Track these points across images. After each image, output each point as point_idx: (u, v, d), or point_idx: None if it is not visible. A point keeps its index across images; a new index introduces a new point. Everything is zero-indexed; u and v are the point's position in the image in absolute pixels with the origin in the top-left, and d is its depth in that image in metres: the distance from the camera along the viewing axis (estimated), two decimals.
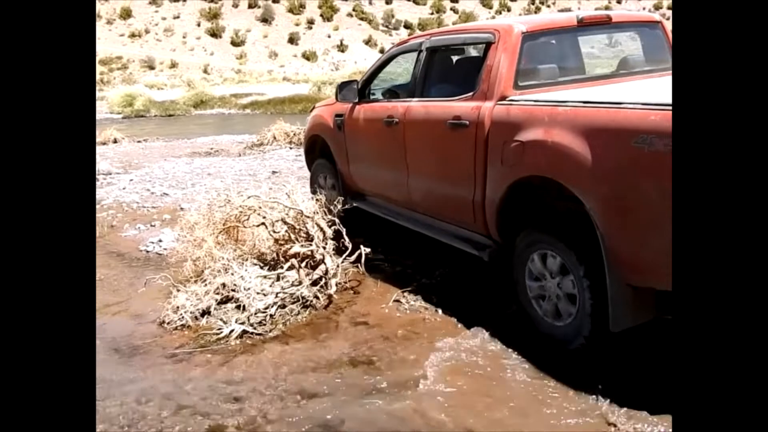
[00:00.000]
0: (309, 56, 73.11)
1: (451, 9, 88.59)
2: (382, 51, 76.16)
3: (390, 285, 4.36)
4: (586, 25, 4.03)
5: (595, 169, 2.85)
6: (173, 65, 68.13)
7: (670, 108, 2.52)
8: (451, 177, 3.89)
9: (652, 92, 3.10)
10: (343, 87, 5.11)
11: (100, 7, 76.65)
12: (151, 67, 67.20)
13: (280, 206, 4.36)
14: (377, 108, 4.74)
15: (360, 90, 4.99)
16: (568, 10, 52.63)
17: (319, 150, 5.75)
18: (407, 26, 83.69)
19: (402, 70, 5.05)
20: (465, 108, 3.71)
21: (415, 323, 3.74)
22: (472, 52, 4.26)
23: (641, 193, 2.71)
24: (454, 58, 4.51)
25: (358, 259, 4.35)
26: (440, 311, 3.87)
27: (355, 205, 5.11)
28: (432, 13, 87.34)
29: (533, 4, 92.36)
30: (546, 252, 3.29)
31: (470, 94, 3.75)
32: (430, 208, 4.29)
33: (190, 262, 4.23)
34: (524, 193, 3.42)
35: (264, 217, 4.34)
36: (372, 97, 4.99)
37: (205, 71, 64.00)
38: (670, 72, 3.70)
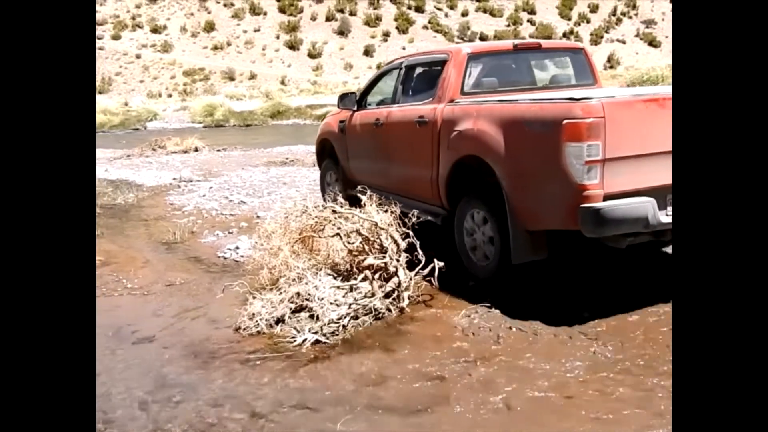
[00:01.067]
0: None
1: (528, 21, 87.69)
2: None
3: (462, 300, 4.31)
4: (521, 50, 5.43)
5: (501, 146, 4.10)
6: (252, 76, 70.25)
7: (547, 101, 3.92)
8: (417, 162, 5.08)
9: (554, 95, 4.39)
10: (344, 97, 6.43)
11: (186, 21, 79.91)
12: (232, 79, 69.49)
13: (354, 217, 4.39)
14: (369, 114, 5.97)
15: (358, 100, 6.22)
16: (652, 21, 51.07)
17: (327, 152, 6.99)
18: (483, 38, 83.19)
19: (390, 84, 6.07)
20: (426, 109, 5.01)
21: (486, 340, 3.67)
22: (435, 68, 5.28)
23: (528, 162, 3.93)
24: (422, 73, 5.60)
25: (431, 273, 4.33)
26: (514, 329, 3.80)
27: (351, 193, 5.89)
28: (508, 25, 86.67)
29: (614, 15, 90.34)
30: (474, 211, 4.55)
31: (430, 99, 5.04)
32: (404, 189, 5.43)
33: (266, 270, 4.31)
34: (462, 170, 4.62)
35: (339, 228, 4.38)
36: (367, 105, 6.20)
37: (283, 82, 65.56)
38: (588, 85, 5.44)
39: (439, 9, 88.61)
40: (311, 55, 76.50)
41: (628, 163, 3.63)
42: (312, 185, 9.12)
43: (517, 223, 4.08)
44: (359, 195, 4.74)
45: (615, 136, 3.57)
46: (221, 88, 59.14)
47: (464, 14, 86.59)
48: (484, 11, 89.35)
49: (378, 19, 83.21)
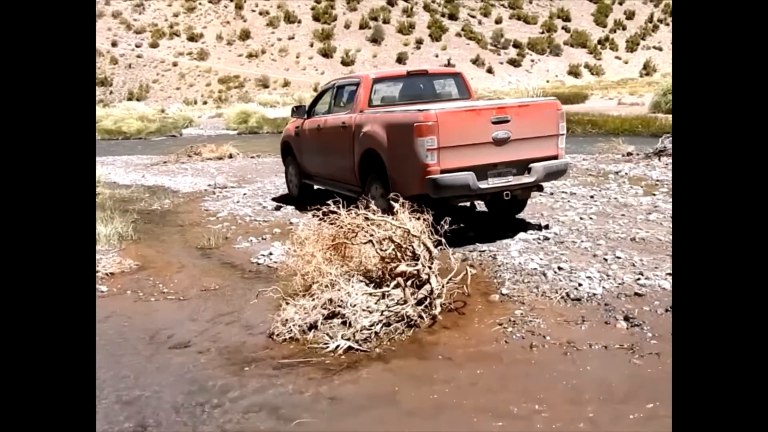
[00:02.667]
0: None
1: (563, 28, 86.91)
2: (489, 70, 75.80)
3: (495, 307, 4.30)
4: (412, 75, 7.52)
5: (385, 141, 6.01)
6: (286, 84, 71.00)
7: (406, 111, 5.88)
8: (342, 155, 6.92)
9: (421, 107, 6.04)
10: (297, 109, 8.50)
11: (221, 29, 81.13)
12: (266, 86, 70.35)
13: (387, 224, 4.40)
14: (314, 121, 7.96)
15: (307, 111, 8.26)
16: None
17: (287, 151, 9.00)
18: (516, 45, 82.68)
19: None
20: (346, 117, 6.97)
21: (521, 350, 3.65)
22: (353, 88, 7.28)
23: (398, 151, 5.81)
24: (346, 91, 7.56)
25: (463, 280, 4.32)
26: (548, 338, 3.77)
27: (305, 181, 8.53)
28: (542, 32, 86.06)
29: (650, 22, 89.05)
30: (374, 185, 6.27)
31: (349, 110, 7.04)
32: (337, 175, 7.31)
33: (299, 277, 4.35)
34: (367, 159, 6.39)
35: (371, 235, 4.39)
36: (314, 114, 8.13)
37: (315, 89, 66.17)
38: (463, 98, 7.30)
39: (473, 16, 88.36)
40: (344, 63, 76.96)
41: (455, 150, 5.55)
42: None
43: (394, 191, 5.29)
44: (314, 183, 8.17)
45: (445, 133, 5.49)
46: (255, 96, 59.87)
47: (498, 21, 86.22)
48: (518, 18, 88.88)
49: (411, 26, 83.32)
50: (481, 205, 7.38)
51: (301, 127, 8.30)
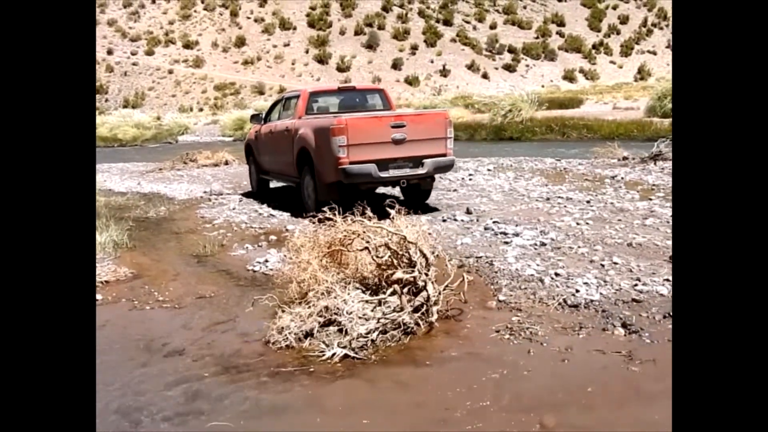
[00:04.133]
0: (411, 81, 73.89)
1: (557, 33, 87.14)
2: (484, 76, 75.92)
3: (492, 314, 4.28)
4: (342, 90, 9.52)
5: (312, 140, 7.61)
6: (281, 90, 70.91)
7: (327, 118, 8.03)
8: (286, 153, 8.51)
9: (355, 115, 7.89)
10: (254, 117, 10.46)
11: (217, 36, 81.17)
12: (261, 93, 70.32)
13: (383, 231, 4.39)
14: (268, 126, 9.67)
15: (264, 118, 10.03)
16: None
17: (249, 152, 10.60)
18: (511, 50, 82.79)
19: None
20: (289, 123, 8.65)
21: (518, 357, 3.63)
22: (295, 99, 9.05)
23: (321, 147, 7.44)
24: (291, 102, 9.26)
25: (460, 287, 4.30)
26: (545, 345, 3.75)
27: (262, 176, 10.17)
28: (537, 37, 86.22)
29: (644, 26, 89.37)
30: (307, 176, 7.88)
31: (291, 117, 8.82)
32: (283, 170, 8.92)
33: (295, 284, 4.32)
34: (302, 156, 7.98)
35: (367, 242, 4.37)
36: (269, 121, 9.85)
37: None
38: (385, 109, 9.09)
39: (468, 22, 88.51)
40: (340, 69, 76.96)
41: (361, 147, 7.28)
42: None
43: (319, 180, 7.62)
44: (269, 178, 9.99)
45: (353, 134, 7.25)
46: (251, 102, 59.90)
47: (492, 27, 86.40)
48: (513, 24, 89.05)
49: (406, 32, 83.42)
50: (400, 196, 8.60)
51: (259, 132, 10.08)
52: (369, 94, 9.58)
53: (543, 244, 5.78)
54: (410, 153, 7.46)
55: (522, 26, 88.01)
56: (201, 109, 66.86)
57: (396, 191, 8.94)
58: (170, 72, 76.24)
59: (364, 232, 4.42)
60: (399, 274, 4.13)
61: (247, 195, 10.32)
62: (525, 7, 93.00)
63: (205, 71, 76.77)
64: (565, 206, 7.62)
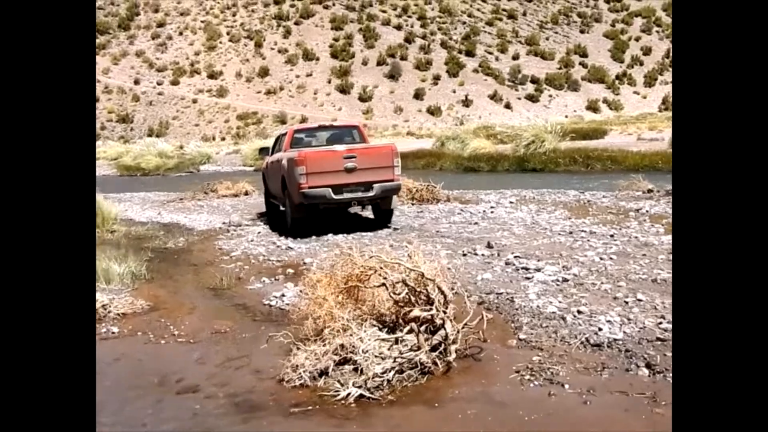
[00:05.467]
0: (434, 111, 74.40)
1: (580, 64, 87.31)
2: (507, 106, 76.13)
3: (512, 353, 4.19)
4: (323, 127, 11.35)
5: (286, 169, 9.36)
6: (303, 120, 71.80)
7: (295, 151, 9.47)
8: (277, 180, 10.06)
9: (314, 149, 9.76)
10: (263, 149, 12.78)
11: (241, 67, 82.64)
12: (283, 122, 71.17)
13: (401, 267, 4.34)
14: (271, 158, 11.31)
15: (270, 152, 11.69)
16: None
17: (263, 179, 12.25)
18: (534, 81, 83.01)
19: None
20: (279, 156, 10.20)
21: (539, 399, 3.54)
22: (284, 136, 10.89)
23: (290, 175, 9.18)
24: (282, 139, 10.94)
25: (479, 326, 4.23)
26: (567, 386, 3.65)
27: (270, 200, 11.86)
28: (560, 68, 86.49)
29: (667, 57, 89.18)
30: (286, 199, 9.67)
31: (280, 150, 10.50)
32: (278, 194, 10.36)
33: (311, 321, 4.28)
34: (283, 181, 9.60)
35: (385, 278, 4.33)
36: (272, 154, 11.40)
37: None
38: (360, 142, 10.50)
39: (490, 53, 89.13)
40: (362, 99, 77.80)
41: (318, 175, 8.87)
42: (359, 231, 9.15)
43: (290, 201, 9.34)
44: (275, 202, 11.48)
45: (311, 165, 8.86)
46: (273, 132, 60.64)
47: (515, 57, 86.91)
48: (536, 54, 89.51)
49: (428, 63, 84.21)
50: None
51: (266, 162, 11.95)
52: (346, 130, 11.39)
53: (565, 280, 5.69)
54: (361, 179, 9.04)
55: (545, 57, 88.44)
56: (223, 138, 67.84)
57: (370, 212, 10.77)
58: (194, 101, 77.69)
59: (381, 267, 4.38)
60: (416, 311, 4.07)
61: (266, 226, 10.35)
62: (548, 38, 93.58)
63: (229, 101, 78.07)
64: (588, 240, 7.52)
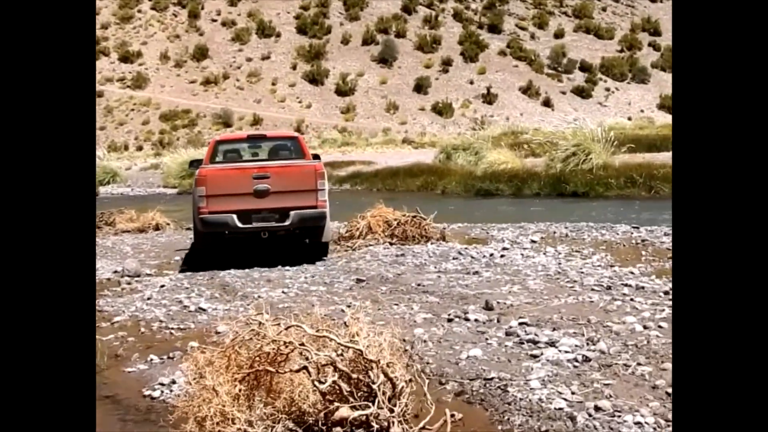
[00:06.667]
0: (442, 109, 74.90)
1: (650, 45, 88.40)
2: (546, 103, 76.87)
3: None
4: (253, 138, 14.16)
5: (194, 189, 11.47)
6: (256, 121, 72.24)
7: (198, 168, 11.24)
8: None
9: (217, 166, 11.41)
10: (194, 162, 12.85)
11: (168, 46, 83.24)
12: (228, 124, 71.63)
13: (333, 342, 4.25)
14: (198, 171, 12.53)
15: (197, 164, 12.06)
16: None
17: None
18: (585, 68, 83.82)
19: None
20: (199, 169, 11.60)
21: None
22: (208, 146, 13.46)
23: (194, 197, 11.00)
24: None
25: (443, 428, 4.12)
26: None
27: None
28: (621, 50, 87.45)
29: None
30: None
31: (203, 163, 11.66)
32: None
33: (193, 423, 4.14)
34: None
35: (308, 359, 4.23)
36: (199, 165, 11.93)
37: (298, 129, 67.23)
38: (298, 157, 12.07)
39: (523, 28, 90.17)
40: (340, 92, 78.31)
41: (221, 198, 10.21)
42: (308, 284, 9.07)
43: (194, 228, 10.84)
44: None
45: (212, 186, 10.26)
46: (212, 137, 60.91)
47: (558, 35, 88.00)
48: (587, 31, 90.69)
49: (436, 41, 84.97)
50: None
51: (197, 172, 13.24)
52: (281, 142, 12.67)
53: (587, 360, 5.61)
54: (274, 204, 10.22)
55: (600, 35, 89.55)
56: (140, 148, 68.11)
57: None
58: (99, 95, 77.83)
59: (301, 344, 4.28)
60: (344, 411, 3.96)
61: (177, 276, 10.27)
62: (604, 9, 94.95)
63: (149, 94, 78.39)
64: (631, 299, 7.45)
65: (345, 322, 4.44)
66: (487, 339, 6.37)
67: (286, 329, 4.41)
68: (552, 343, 6.04)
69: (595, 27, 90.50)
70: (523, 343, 6.15)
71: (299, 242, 11.54)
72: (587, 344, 6.00)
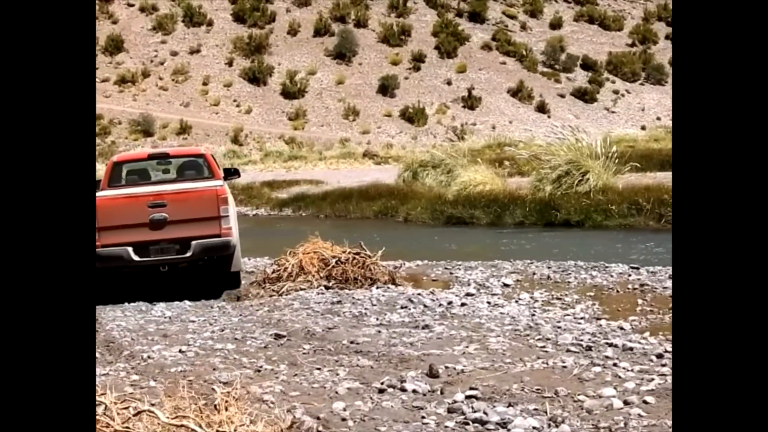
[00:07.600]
0: (413, 116, 75.07)
1: (667, 38, 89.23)
2: (541, 107, 77.34)
3: None
4: (154, 157, 15.43)
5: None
6: (183, 129, 72.03)
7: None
8: None
9: (125, 192, 12.83)
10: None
11: None
12: (148, 133, 71.26)
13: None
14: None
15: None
16: None
17: None
18: (588, 66, 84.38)
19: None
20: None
21: None
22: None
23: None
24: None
25: None
26: None
27: None
28: (632, 44, 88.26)
29: None
30: None
31: (99, 188, 12.66)
32: None
33: None
34: None
35: None
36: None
37: (235, 140, 67.13)
38: (207, 178, 13.19)
39: (512, 17, 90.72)
40: (287, 94, 78.25)
41: (115, 230, 11.51)
42: (214, 339, 8.90)
43: None
44: None
45: (103, 216, 11.11)
46: (128, 149, 60.48)
47: (555, 25, 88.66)
48: (590, 21, 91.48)
49: (405, 32, 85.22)
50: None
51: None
52: (186, 161, 13.73)
53: None
54: (173, 235, 11.31)
55: (606, 25, 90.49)
56: None
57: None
58: None
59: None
60: None
61: None
62: None
63: None
64: (614, 364, 7.33)
65: (215, 405, 4.19)
66: (423, 417, 6.24)
67: (135, 415, 4.20)
68: (503, 424, 5.91)
69: (600, 15, 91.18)
70: (467, 424, 6.03)
71: (205, 274, 12.48)
72: (548, 425, 5.87)
